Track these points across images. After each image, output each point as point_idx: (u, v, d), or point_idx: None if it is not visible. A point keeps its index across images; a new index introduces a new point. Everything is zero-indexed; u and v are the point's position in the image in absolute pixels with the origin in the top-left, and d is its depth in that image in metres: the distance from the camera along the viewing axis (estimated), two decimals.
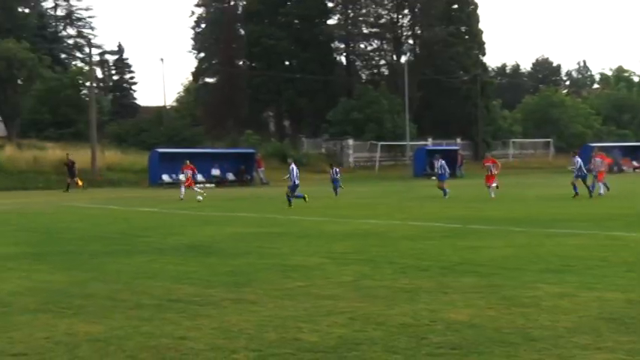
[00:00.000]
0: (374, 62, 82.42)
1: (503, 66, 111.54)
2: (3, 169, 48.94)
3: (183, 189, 33.32)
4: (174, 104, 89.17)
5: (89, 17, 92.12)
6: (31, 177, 49.16)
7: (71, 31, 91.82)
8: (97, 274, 11.55)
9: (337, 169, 36.69)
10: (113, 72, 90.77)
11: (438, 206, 25.50)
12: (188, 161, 35.95)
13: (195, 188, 33.76)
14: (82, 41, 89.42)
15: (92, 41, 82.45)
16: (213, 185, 52.17)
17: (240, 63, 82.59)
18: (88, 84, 63.35)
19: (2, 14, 75.38)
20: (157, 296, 9.53)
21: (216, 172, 54.83)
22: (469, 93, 72.91)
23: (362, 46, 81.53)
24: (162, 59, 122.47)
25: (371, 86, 73.50)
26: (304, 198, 27.71)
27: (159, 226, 20.20)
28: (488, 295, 8.97)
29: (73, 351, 6.82)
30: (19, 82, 64.91)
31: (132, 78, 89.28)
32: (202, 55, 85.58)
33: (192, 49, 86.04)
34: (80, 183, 43.82)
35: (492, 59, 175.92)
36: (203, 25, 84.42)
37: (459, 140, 72.70)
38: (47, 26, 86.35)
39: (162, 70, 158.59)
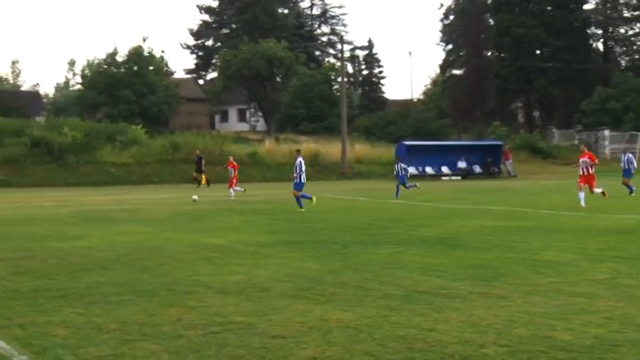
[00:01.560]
0: (635, 47, 76.99)
1: None
2: (263, 162, 52.36)
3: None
4: (421, 97, 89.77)
5: (342, 15, 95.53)
6: (288, 169, 52.05)
7: (325, 28, 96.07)
8: (348, 263, 11.93)
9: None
10: (363, 67, 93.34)
11: None
12: (231, 157, 34.55)
13: (237, 188, 31.60)
14: (334, 38, 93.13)
15: (344, 38, 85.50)
16: (459, 177, 51.81)
17: (489, 53, 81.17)
18: (339, 79, 65.72)
19: (264, 16, 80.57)
20: (405, 287, 9.64)
21: (462, 164, 54.39)
22: None
23: (622, 30, 76.61)
24: (410, 52, 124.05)
25: (631, 73, 68.71)
26: (311, 199, 23.66)
27: (406, 217, 20.43)
28: None
29: (326, 336, 7.10)
30: (278, 79, 68.98)
31: (381, 72, 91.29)
32: (450, 46, 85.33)
33: (440, 41, 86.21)
34: (204, 180, 41.80)
35: None
36: (451, 17, 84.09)
37: None
38: (304, 25, 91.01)
39: (410, 64, 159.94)
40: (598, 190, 23.70)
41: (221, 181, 38.46)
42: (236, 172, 32.16)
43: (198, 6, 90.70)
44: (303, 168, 23.50)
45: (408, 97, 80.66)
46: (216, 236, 16.04)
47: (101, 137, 49.20)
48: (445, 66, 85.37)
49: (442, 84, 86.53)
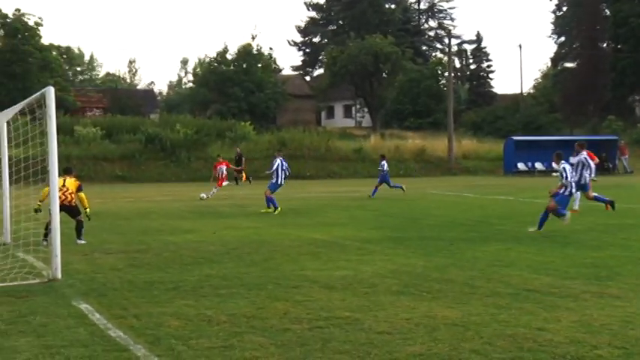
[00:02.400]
0: None
1: None
2: (368, 158, 52.36)
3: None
4: (531, 91, 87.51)
5: (450, 9, 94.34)
6: (393, 165, 51.88)
7: (432, 23, 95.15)
8: (454, 260, 11.79)
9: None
10: (471, 61, 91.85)
11: None
12: (220, 157, 32.86)
13: (223, 184, 29.67)
14: (442, 32, 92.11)
15: (452, 32, 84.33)
16: None
17: (604, 45, 78.22)
18: (446, 74, 64.94)
19: (371, 11, 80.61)
20: (514, 285, 9.45)
21: (574, 160, 52.64)
22: None
23: None
24: (520, 46, 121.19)
25: None
26: (277, 209, 21.19)
27: (514, 214, 19.99)
28: None
29: (432, 333, 7.05)
30: (384, 75, 68.84)
31: (489, 66, 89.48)
32: (562, 39, 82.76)
33: (552, 33, 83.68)
34: (244, 178, 39.63)
35: None
36: (565, 8, 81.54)
37: None
38: (410, 20, 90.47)
39: (520, 57, 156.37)
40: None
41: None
42: (226, 170, 30.31)
43: (305, 3, 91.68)
44: (285, 167, 22.13)
45: (517, 91, 78.87)
46: (321, 232, 16.19)
47: (211, 134, 50.43)
48: (557, 59, 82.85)
49: (553, 77, 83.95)
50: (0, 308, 8.44)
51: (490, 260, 11.65)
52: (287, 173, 22.50)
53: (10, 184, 14.39)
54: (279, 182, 21.88)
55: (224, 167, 30.35)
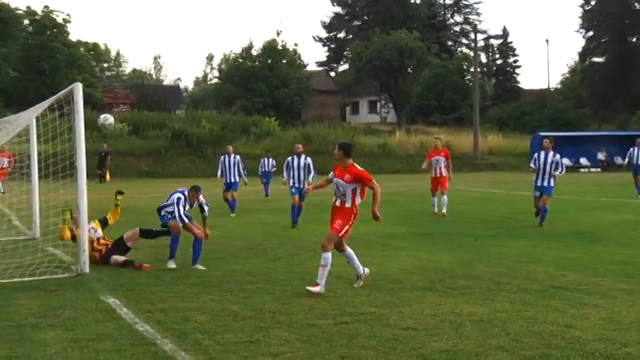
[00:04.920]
0: None
1: None
2: (393, 154, 52.27)
3: None
4: (559, 86, 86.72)
5: (475, 3, 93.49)
6: (418, 161, 51.75)
7: (458, 18, 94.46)
8: (479, 256, 11.74)
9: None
10: (497, 56, 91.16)
11: None
12: None
13: None
14: (467, 27, 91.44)
15: (478, 27, 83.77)
16: (599, 170, 49.73)
17: (634, 40, 77.23)
18: (472, 69, 64.58)
19: (396, 7, 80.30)
20: (540, 282, 9.39)
21: (602, 156, 52.13)
22: None
23: None
24: (547, 40, 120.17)
25: None
26: (233, 212, 19.71)
27: None
28: None
29: (458, 329, 7.03)
30: (409, 70, 68.57)
31: (515, 61, 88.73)
32: (590, 33, 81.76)
33: (580, 27, 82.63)
34: None
35: None
36: (593, 2, 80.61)
37: None
38: (436, 15, 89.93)
39: (547, 52, 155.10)
40: None
41: None
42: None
43: None
44: (241, 166, 20.60)
45: (544, 86, 78.15)
46: None
47: (236, 129, 50.62)
48: (585, 53, 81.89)
49: (581, 72, 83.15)
50: (30, 302, 8.55)
51: (516, 256, 11.58)
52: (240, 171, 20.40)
53: (39, 179, 14.55)
54: (226, 180, 20.20)
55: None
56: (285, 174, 17.33)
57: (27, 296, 8.88)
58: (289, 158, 17.29)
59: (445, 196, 18.80)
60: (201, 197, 11.60)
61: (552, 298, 8.38)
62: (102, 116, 11.05)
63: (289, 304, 8.21)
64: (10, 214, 18.78)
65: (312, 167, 17.09)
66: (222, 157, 20.80)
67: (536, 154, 16.15)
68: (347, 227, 9.15)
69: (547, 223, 15.96)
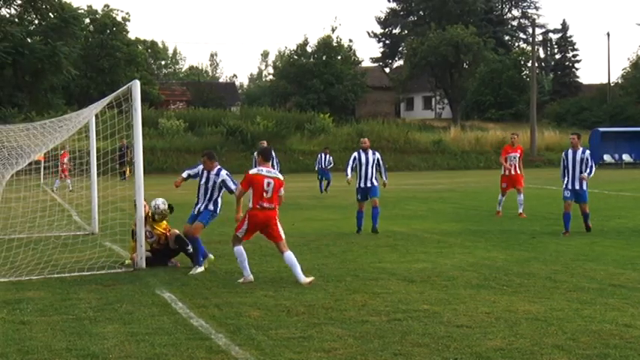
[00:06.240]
0: None
1: None
2: (448, 150, 51.83)
3: None
4: (620, 81, 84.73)
5: None
6: (473, 157, 51.26)
7: (515, 12, 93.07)
8: (536, 253, 11.57)
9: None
10: (555, 51, 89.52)
11: None
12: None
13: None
14: (525, 22, 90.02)
15: (536, 21, 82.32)
16: None
17: None
18: (529, 64, 63.57)
19: (452, 1, 79.53)
20: (598, 280, 9.21)
21: None
22: None
23: None
24: (608, 34, 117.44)
25: None
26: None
27: (600, 207, 19.40)
28: None
29: (513, 327, 6.94)
30: (465, 65, 67.89)
31: (575, 56, 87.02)
32: None
33: None
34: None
35: None
36: None
37: None
38: (493, 9, 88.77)
39: (608, 46, 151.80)
40: None
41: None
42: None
43: None
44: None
45: (604, 81, 76.51)
46: (400, 224, 16.12)
47: (290, 126, 50.79)
48: None
49: None
50: (89, 296, 8.74)
51: (574, 254, 11.38)
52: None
53: (98, 175, 14.85)
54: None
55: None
56: (349, 172, 15.40)
57: (85, 290, 9.08)
58: (355, 154, 15.53)
59: (522, 195, 18.04)
60: (222, 172, 10.96)
61: (611, 296, 8.21)
62: (153, 205, 10.88)
63: (342, 301, 8.21)
64: (70, 209, 19.23)
65: (381, 163, 15.63)
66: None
67: (563, 154, 14.84)
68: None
69: (605, 221, 15.63)
